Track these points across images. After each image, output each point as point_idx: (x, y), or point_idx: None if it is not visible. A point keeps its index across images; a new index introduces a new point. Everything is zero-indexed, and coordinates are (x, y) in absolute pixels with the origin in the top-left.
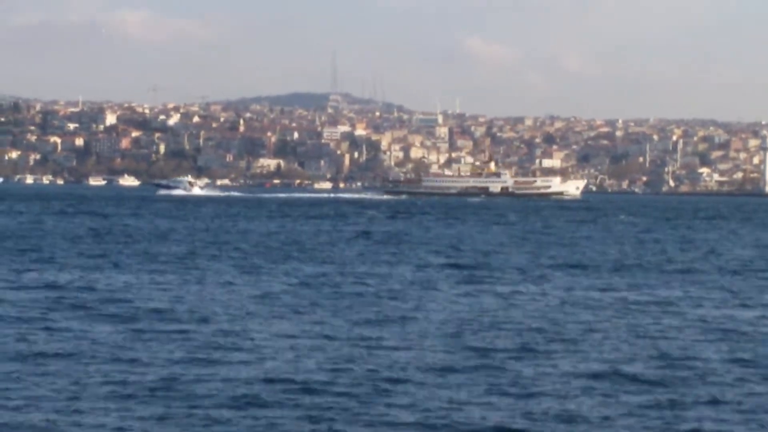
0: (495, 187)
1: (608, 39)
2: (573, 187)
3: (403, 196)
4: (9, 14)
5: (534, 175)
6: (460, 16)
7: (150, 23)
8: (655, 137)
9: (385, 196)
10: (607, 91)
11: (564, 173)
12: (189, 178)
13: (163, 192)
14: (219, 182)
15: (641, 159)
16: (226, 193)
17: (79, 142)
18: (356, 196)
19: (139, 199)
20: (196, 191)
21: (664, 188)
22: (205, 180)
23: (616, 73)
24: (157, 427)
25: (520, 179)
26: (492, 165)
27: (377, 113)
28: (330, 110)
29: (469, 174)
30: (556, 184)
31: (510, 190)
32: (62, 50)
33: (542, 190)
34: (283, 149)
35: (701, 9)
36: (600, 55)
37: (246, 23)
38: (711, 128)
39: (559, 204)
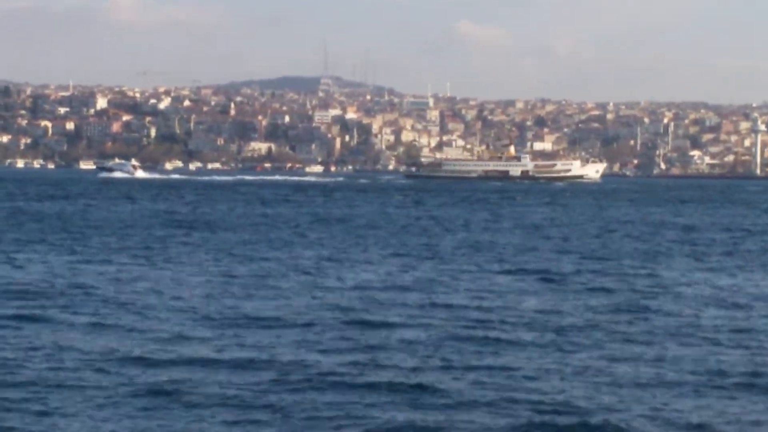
0: (515, 170)
1: (600, 22)
2: (593, 171)
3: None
4: None
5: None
6: (451, 0)
7: (141, 7)
8: (646, 120)
9: (405, 180)
10: (599, 75)
11: (556, 156)
12: (133, 161)
13: (105, 175)
14: (210, 166)
15: (632, 142)
16: (167, 176)
17: (70, 126)
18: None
19: (74, 182)
20: (139, 174)
21: (655, 171)
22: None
23: (608, 56)
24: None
25: (540, 163)
26: (512, 149)
27: (368, 97)
28: (321, 94)
29: (488, 158)
30: (576, 168)
31: (530, 173)
32: (53, 34)
33: (562, 174)
34: (274, 133)
35: None
36: (592, 39)
37: (237, 7)
38: (702, 111)
39: (597, 188)
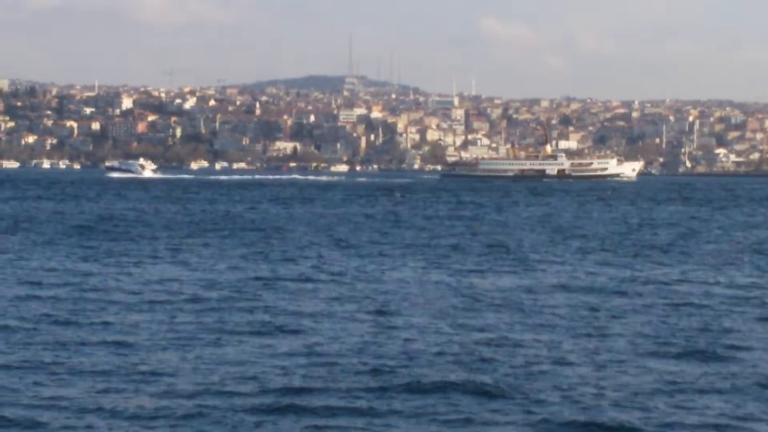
0: (552, 169)
1: (625, 19)
2: (629, 169)
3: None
4: None
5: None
6: None
7: (166, 7)
8: (672, 118)
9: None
10: (624, 72)
11: (582, 155)
12: (141, 161)
13: (114, 175)
14: (235, 165)
15: (657, 140)
16: (178, 176)
17: (96, 126)
18: (406, 180)
19: (84, 183)
20: (147, 174)
21: (681, 169)
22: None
23: (633, 53)
24: None
25: (576, 161)
26: (548, 147)
27: (393, 95)
28: (346, 93)
29: (524, 157)
30: (612, 166)
31: (567, 172)
32: (78, 34)
33: (599, 172)
34: (299, 132)
35: None
36: (617, 36)
37: (262, 6)
38: (727, 109)
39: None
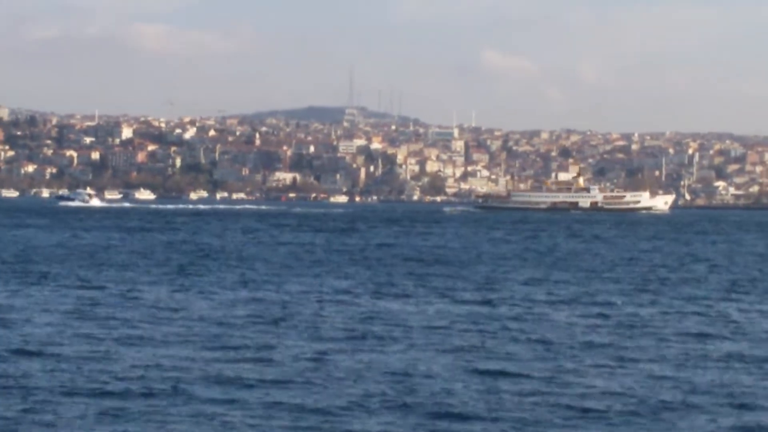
0: (584, 202)
1: (625, 52)
2: (662, 202)
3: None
4: (26, 28)
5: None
6: (476, 30)
7: (166, 36)
8: (671, 151)
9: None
10: (624, 105)
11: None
12: (88, 190)
13: (63, 204)
14: (235, 196)
15: (657, 172)
16: (121, 205)
17: (95, 155)
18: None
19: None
20: (95, 203)
21: (680, 202)
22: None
23: (633, 86)
24: None
25: (609, 194)
26: (581, 180)
27: (393, 127)
28: (346, 124)
29: (556, 189)
30: (645, 199)
31: (599, 204)
32: (79, 64)
33: (631, 205)
34: (299, 163)
35: (717, 23)
36: (617, 69)
37: (262, 37)
38: (727, 142)
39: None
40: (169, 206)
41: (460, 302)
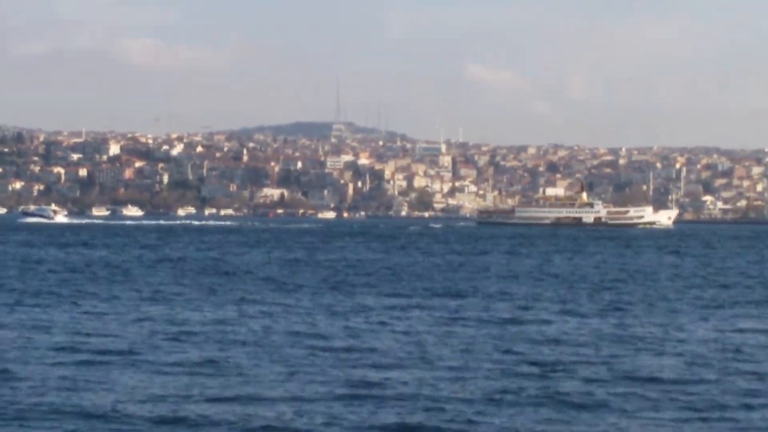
0: (588, 217)
1: (612, 66)
2: (665, 217)
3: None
4: (13, 43)
5: (538, 203)
6: (463, 44)
7: (154, 51)
8: (659, 165)
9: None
10: (611, 120)
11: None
12: (53, 206)
13: (28, 220)
14: (222, 212)
15: (645, 187)
16: (87, 221)
17: (83, 172)
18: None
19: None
20: (59, 219)
21: None
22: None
23: (620, 101)
24: None
25: (613, 209)
26: (584, 195)
27: (380, 142)
28: (333, 140)
29: (560, 204)
30: (648, 214)
31: (603, 219)
32: (66, 79)
33: (635, 220)
34: (286, 179)
35: (704, 38)
36: (604, 84)
37: (249, 52)
38: (714, 156)
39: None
40: (147, 222)
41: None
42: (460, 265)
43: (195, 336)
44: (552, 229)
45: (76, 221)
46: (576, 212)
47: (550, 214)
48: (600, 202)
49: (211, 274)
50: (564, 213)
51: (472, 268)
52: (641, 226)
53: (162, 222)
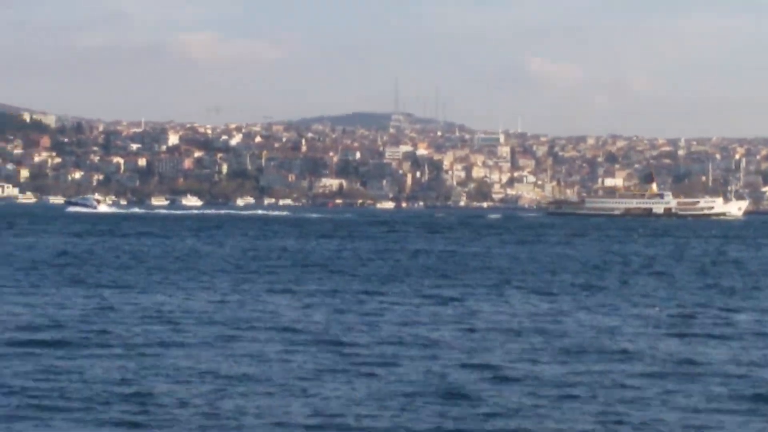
0: (658, 208)
1: (672, 58)
2: (735, 208)
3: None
4: (74, 36)
5: (595, 194)
6: (522, 36)
7: (213, 44)
8: (718, 156)
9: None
10: (670, 110)
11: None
12: (96, 196)
13: (71, 209)
14: (281, 202)
15: (704, 178)
16: (130, 210)
17: (142, 162)
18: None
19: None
20: (102, 208)
21: None
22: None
23: (680, 92)
24: None
25: (683, 200)
26: (654, 186)
27: (439, 133)
28: (392, 130)
29: (630, 195)
30: (719, 205)
31: (673, 210)
32: (126, 71)
33: (705, 211)
34: (345, 169)
35: (762, 28)
36: (664, 74)
37: (308, 44)
38: None
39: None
40: (183, 212)
41: None
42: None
43: None
44: (624, 220)
45: (119, 210)
46: (646, 203)
47: (620, 204)
48: (669, 193)
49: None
50: (634, 204)
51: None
52: (713, 217)
53: (229, 211)
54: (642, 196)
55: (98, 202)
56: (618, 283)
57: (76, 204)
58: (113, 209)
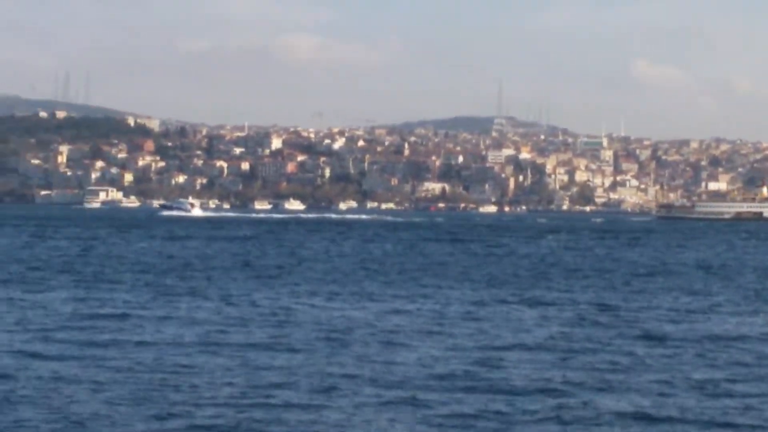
0: None
1: None
2: None
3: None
4: (177, 40)
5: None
6: (624, 40)
7: (315, 49)
8: None
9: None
10: None
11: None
12: (190, 200)
13: (165, 213)
14: (384, 206)
15: None
16: (221, 214)
17: (245, 166)
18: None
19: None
20: (196, 212)
21: None
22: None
23: None
24: None
25: None
26: (764, 190)
27: (542, 136)
28: (494, 134)
29: (741, 199)
30: None
31: None
32: (228, 75)
33: None
34: (447, 173)
35: None
36: None
37: (411, 48)
38: None
39: None
40: (276, 215)
41: None
42: None
43: None
44: (736, 224)
45: (211, 214)
46: (757, 207)
47: (731, 209)
48: None
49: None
50: (745, 208)
51: None
52: None
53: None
54: (752, 200)
55: (192, 206)
56: None
57: (170, 208)
58: (207, 213)
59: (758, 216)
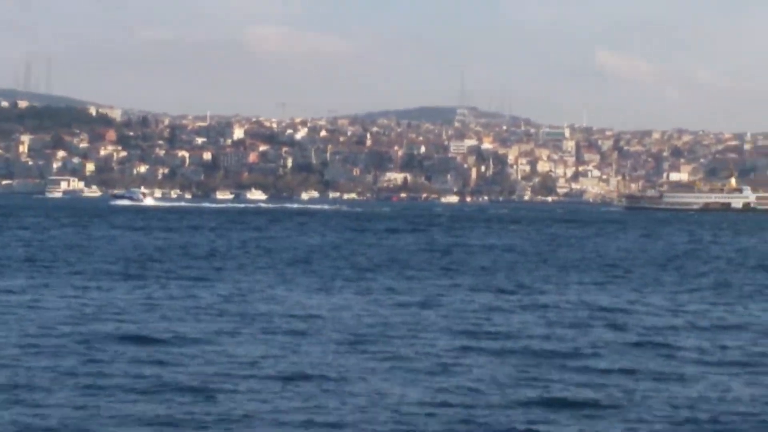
0: (737, 202)
1: (739, 53)
2: None
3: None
4: (140, 30)
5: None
6: (588, 31)
7: (278, 39)
8: None
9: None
10: (736, 105)
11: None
12: (142, 189)
13: (117, 202)
14: (345, 196)
15: None
16: (174, 204)
17: (207, 156)
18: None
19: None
20: (148, 202)
21: None
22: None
23: (746, 86)
24: None
25: (762, 195)
26: (733, 181)
27: (504, 127)
28: (457, 124)
29: (708, 190)
30: None
31: (752, 205)
32: (191, 65)
33: None
34: (409, 163)
35: None
36: (730, 69)
37: (374, 39)
38: None
39: None
40: (238, 205)
41: None
42: None
43: None
44: (704, 215)
45: (164, 204)
46: (725, 198)
47: (699, 199)
48: (748, 188)
49: None
50: (713, 198)
51: None
52: None
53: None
54: (721, 190)
55: (144, 195)
56: None
57: (121, 197)
58: (159, 203)
59: (726, 207)
